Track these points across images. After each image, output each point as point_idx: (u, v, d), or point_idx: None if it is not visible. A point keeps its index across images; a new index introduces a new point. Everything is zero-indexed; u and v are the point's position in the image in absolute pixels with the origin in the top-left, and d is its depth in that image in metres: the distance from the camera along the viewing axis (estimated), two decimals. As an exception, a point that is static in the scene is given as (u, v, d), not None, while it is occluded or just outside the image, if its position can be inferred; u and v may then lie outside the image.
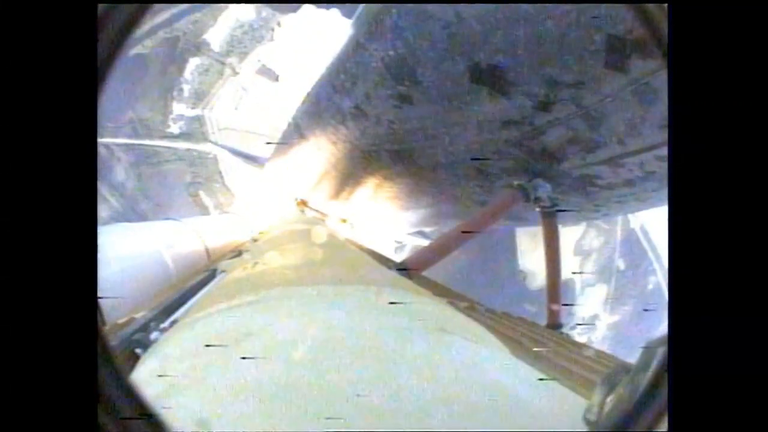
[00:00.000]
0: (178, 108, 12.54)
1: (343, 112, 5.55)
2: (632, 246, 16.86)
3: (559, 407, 0.98)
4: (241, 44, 12.30)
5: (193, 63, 12.14)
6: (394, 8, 3.91)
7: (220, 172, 13.06)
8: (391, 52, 4.15)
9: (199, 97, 12.28)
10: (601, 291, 16.99)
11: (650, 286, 17.20)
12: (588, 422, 0.72)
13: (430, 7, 3.59)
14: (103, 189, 12.37)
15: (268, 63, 12.56)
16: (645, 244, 16.74)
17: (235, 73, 12.31)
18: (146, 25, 11.17)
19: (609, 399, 0.69)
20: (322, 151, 7.00)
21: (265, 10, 12.07)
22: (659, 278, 16.86)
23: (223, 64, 12.22)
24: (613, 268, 16.79)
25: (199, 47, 12.08)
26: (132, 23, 0.61)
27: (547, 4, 3.01)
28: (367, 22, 4.33)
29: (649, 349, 0.67)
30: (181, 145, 12.38)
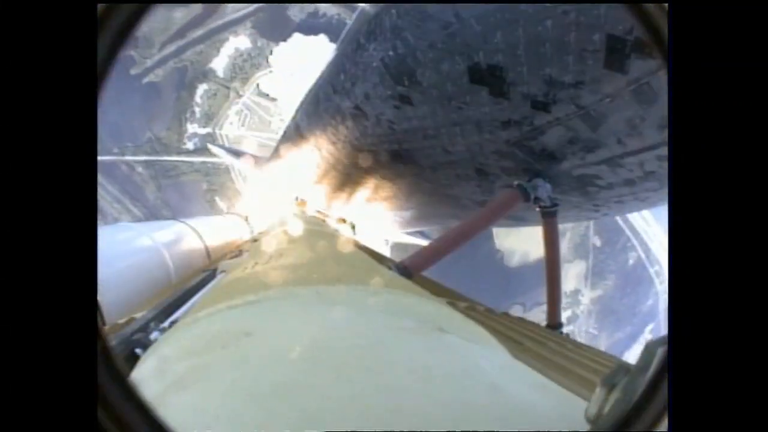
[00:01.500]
0: (192, 127, 14.28)
1: (342, 112, 5.55)
2: (606, 223, 17.06)
3: (559, 407, 0.98)
4: (242, 71, 14.09)
5: (202, 88, 13.94)
6: (393, 8, 3.91)
7: (232, 180, 14.54)
8: (391, 52, 4.15)
9: (210, 117, 14.01)
10: (579, 267, 17.40)
11: (631, 261, 17.55)
12: (588, 422, 0.72)
13: (429, 7, 3.59)
14: (126, 200, 14.12)
15: (267, 85, 14.20)
16: (620, 221, 16.88)
17: (239, 96, 13.95)
18: (155, 56, 13.38)
19: (609, 399, 0.69)
20: (322, 151, 7.00)
21: (260, 39, 13.82)
22: (639, 253, 17.19)
23: (228, 88, 13.93)
24: (588, 245, 17.11)
25: (206, 75, 13.88)
26: (132, 23, 0.61)
27: (546, 4, 3.01)
28: (367, 22, 4.33)
29: (649, 349, 0.67)
30: (197, 158, 14.08)
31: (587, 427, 0.72)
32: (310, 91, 6.78)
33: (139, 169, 14.36)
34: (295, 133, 7.90)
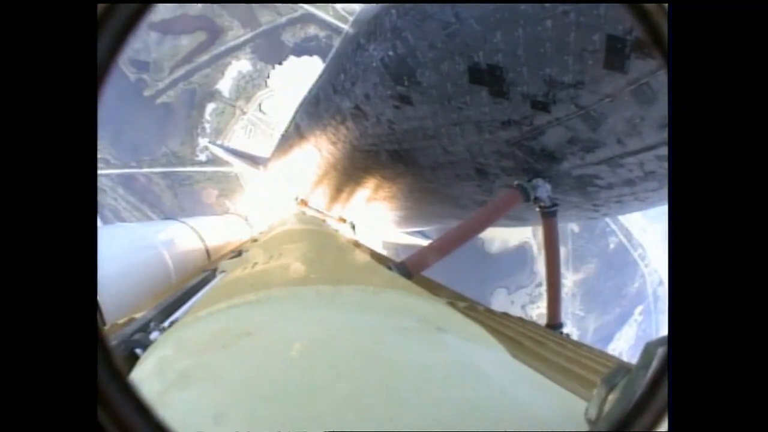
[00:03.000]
0: (203, 141, 16.23)
1: (343, 112, 5.55)
2: (581, 210, 18.03)
3: (559, 407, 0.98)
4: (245, 91, 16.14)
5: (210, 107, 16.26)
6: (393, 8, 3.91)
7: (241, 185, 16.50)
8: (391, 52, 4.15)
9: (219, 132, 16.03)
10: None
11: (612, 246, 18.17)
12: (588, 422, 0.72)
13: (429, 7, 3.59)
14: (145, 208, 16.22)
15: (267, 103, 16.36)
16: (597, 208, 17.77)
17: (244, 113, 16.05)
18: (166, 79, 15.65)
19: (609, 399, 0.69)
20: (322, 151, 7.00)
21: (259, 63, 16.08)
22: (620, 237, 17.94)
23: (233, 106, 16.04)
24: (566, 231, 17.53)
25: (213, 95, 15.97)
26: (132, 23, 0.61)
27: (546, 4, 3.01)
28: (367, 22, 4.33)
29: (649, 349, 0.67)
30: (209, 168, 16.14)
31: (587, 427, 0.72)
32: (310, 91, 6.79)
33: (157, 180, 16.41)
34: (295, 133, 7.90)
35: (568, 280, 18.31)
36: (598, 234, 17.89)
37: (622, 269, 18.21)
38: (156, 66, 15.66)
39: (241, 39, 15.90)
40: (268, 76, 16.14)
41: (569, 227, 17.56)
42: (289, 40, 16.00)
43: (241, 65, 16.12)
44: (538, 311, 17.46)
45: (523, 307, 17.84)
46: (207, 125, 16.26)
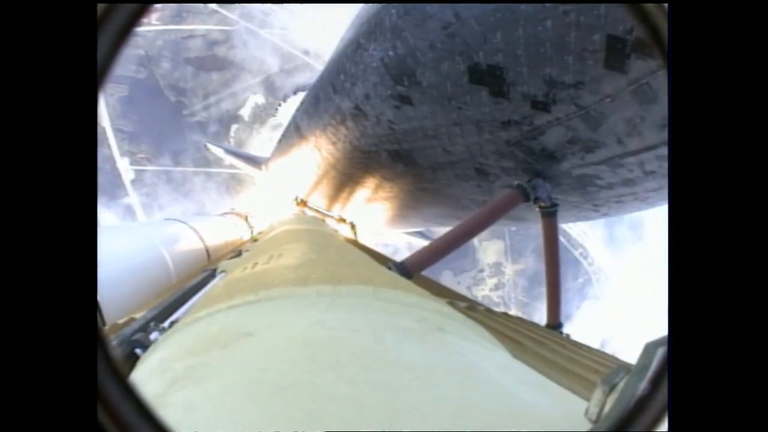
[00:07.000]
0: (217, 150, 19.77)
1: (343, 112, 5.56)
2: (517, 211, 20.08)
3: (559, 407, 0.98)
4: (260, 117, 22.53)
5: (234, 127, 22.36)
6: (393, 8, 3.91)
7: (254, 185, 19.86)
8: (391, 53, 4.15)
9: (240, 145, 21.79)
10: (498, 245, 21.22)
11: None
12: (588, 422, 0.72)
13: (429, 7, 3.60)
14: (179, 197, 21.42)
15: (276, 127, 20.73)
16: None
17: (259, 133, 22.31)
18: (200, 103, 21.58)
19: (609, 399, 0.69)
20: (322, 151, 7.00)
21: (270, 97, 22.52)
22: (559, 237, 19.77)
23: (251, 128, 22.45)
24: (503, 228, 19.67)
25: (236, 119, 22.35)
26: (132, 23, 0.61)
27: (546, 4, 3.02)
28: (367, 22, 4.33)
29: (648, 349, 0.67)
30: (233, 170, 20.93)
31: (587, 427, 0.72)
32: (310, 91, 6.78)
33: (193, 177, 21.70)
34: (295, 133, 7.90)
35: (509, 269, 20.73)
36: (533, 233, 20.15)
37: (563, 265, 19.40)
38: (192, 93, 21.61)
39: (258, 78, 21.85)
40: (279, 106, 22.02)
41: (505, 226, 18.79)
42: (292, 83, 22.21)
43: (257, 98, 22.12)
44: (483, 293, 20.87)
45: (468, 287, 20.60)
46: (231, 140, 21.99)
